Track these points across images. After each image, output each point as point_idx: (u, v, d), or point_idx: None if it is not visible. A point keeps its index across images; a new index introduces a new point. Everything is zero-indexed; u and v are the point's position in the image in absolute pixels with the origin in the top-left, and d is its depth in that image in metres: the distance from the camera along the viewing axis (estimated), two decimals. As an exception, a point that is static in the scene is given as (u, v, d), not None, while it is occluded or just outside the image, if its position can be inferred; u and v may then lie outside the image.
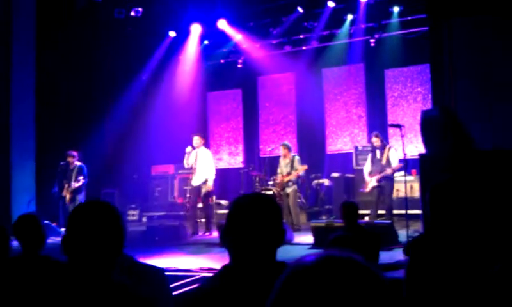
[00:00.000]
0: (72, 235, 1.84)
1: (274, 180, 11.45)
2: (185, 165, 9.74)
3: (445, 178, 2.43)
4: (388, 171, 8.76)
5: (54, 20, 11.21)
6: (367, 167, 9.23)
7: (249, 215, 1.70)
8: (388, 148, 9.11)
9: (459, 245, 2.18)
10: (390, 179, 8.87)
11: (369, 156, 9.33)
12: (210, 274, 2.07)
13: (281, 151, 9.97)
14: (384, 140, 9.80)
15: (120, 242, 1.88)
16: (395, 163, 8.82)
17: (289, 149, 9.88)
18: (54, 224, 9.54)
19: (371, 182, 8.96)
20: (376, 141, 9.05)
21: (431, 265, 2.24)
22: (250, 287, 1.56)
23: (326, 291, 0.79)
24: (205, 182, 9.52)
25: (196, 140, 9.58)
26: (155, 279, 2.60)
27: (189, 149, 9.58)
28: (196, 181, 9.61)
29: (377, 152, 9.04)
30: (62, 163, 10.04)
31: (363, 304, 0.79)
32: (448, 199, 2.32)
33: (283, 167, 9.88)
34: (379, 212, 9.16)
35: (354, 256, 0.85)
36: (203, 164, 9.51)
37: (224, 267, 1.73)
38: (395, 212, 9.10)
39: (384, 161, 8.88)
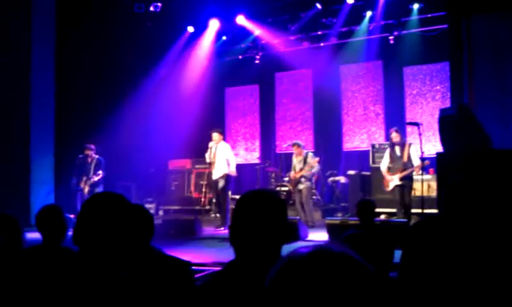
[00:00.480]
0: (82, 226, 1.87)
1: (290, 176, 11.46)
2: (207, 160, 9.91)
3: (459, 176, 2.42)
4: (415, 170, 8.36)
5: (73, 15, 11.34)
6: (384, 164, 8.88)
7: (252, 211, 1.71)
8: (409, 144, 8.74)
9: (463, 234, 2.16)
10: (410, 177, 8.54)
11: (387, 152, 8.94)
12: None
13: (294, 150, 9.97)
14: (403, 138, 9.63)
15: (130, 234, 1.91)
16: (416, 161, 8.41)
17: (301, 146, 9.91)
18: (71, 216, 9.67)
19: (393, 181, 8.57)
20: (396, 137, 8.67)
21: (428, 249, 2.23)
22: (253, 283, 1.58)
23: (316, 282, 0.81)
24: (222, 176, 9.62)
25: (215, 136, 9.75)
26: (181, 272, 2.64)
27: (211, 144, 9.76)
28: (214, 175, 9.81)
29: (397, 148, 8.68)
30: (80, 156, 10.15)
31: (352, 296, 0.81)
32: (461, 197, 2.30)
33: (296, 164, 9.88)
34: (393, 210, 9.08)
35: (347, 251, 0.87)
36: (222, 159, 9.64)
37: (229, 263, 1.74)
38: (412, 210, 8.99)
39: (405, 158, 8.52)
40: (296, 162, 9.89)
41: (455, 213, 2.33)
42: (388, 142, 9.39)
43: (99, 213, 1.87)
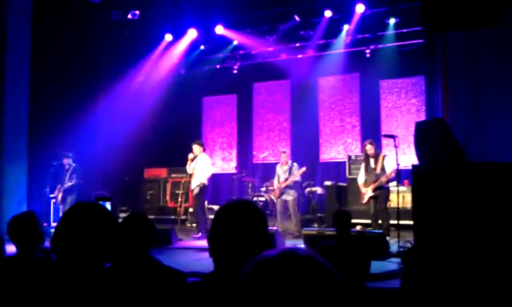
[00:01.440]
0: (61, 237, 1.85)
1: (267, 186, 11.46)
2: (188, 171, 10.15)
3: (436, 189, 2.46)
4: (383, 180, 8.57)
5: (49, 20, 11.19)
6: (360, 177, 9.00)
7: (232, 222, 1.71)
8: (383, 156, 8.88)
9: (452, 254, 2.19)
10: (384, 188, 8.65)
11: (362, 166, 9.04)
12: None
13: (282, 158, 10.08)
14: (378, 149, 9.74)
15: (110, 244, 1.89)
16: (389, 171, 8.55)
17: (287, 155, 10.17)
18: (44, 225, 9.48)
19: (367, 193, 8.69)
20: (370, 149, 8.77)
21: (425, 274, 2.25)
22: (232, 294, 1.57)
23: (281, 284, 0.82)
24: (198, 185, 9.78)
25: (196, 148, 9.95)
26: (177, 282, 2.66)
27: (191, 156, 9.91)
28: (192, 184, 10.02)
29: (371, 161, 8.79)
30: (55, 163, 10.00)
31: (316, 298, 0.82)
32: (441, 212, 2.34)
33: (280, 174, 9.93)
34: (367, 221, 9.16)
35: (313, 255, 0.89)
36: (201, 170, 9.83)
37: (208, 275, 1.73)
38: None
39: (378, 170, 8.66)
40: (281, 171, 9.96)
41: (435, 227, 2.37)
42: (363, 155, 9.49)
43: (79, 224, 1.86)
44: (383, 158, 8.75)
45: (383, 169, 8.62)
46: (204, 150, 10.03)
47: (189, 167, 9.97)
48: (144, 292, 2.44)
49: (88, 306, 1.79)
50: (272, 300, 0.81)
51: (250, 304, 0.83)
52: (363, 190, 8.78)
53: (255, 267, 0.87)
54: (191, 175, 10.11)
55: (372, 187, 8.58)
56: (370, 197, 8.63)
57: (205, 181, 9.81)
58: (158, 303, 2.45)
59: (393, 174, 8.38)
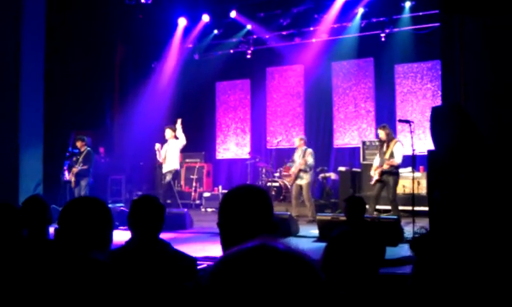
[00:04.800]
0: (63, 229, 2.07)
1: (280, 171, 11.46)
2: (159, 160, 10.03)
3: (452, 176, 2.43)
4: (385, 166, 8.52)
5: (64, 4, 11.21)
6: (376, 161, 9.01)
7: (238, 207, 1.71)
8: (395, 142, 8.81)
9: (467, 245, 2.18)
10: (393, 173, 8.55)
11: (378, 149, 9.08)
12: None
13: (296, 142, 10.05)
14: (392, 135, 9.63)
15: (105, 235, 2.10)
16: (398, 158, 8.47)
17: (304, 140, 10.11)
18: (60, 209, 9.58)
19: (375, 176, 8.70)
20: (380, 134, 8.77)
21: (439, 263, 2.24)
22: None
23: (253, 277, 0.79)
24: (170, 171, 9.84)
25: (167, 133, 9.93)
26: (187, 267, 2.66)
27: (157, 146, 9.87)
28: (164, 169, 10.02)
29: (384, 145, 8.80)
30: (70, 148, 10.10)
31: (291, 291, 0.78)
32: (457, 203, 2.32)
33: (296, 159, 9.94)
34: (385, 207, 9.12)
35: (291, 248, 0.84)
36: (173, 154, 9.88)
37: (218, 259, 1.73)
38: (401, 208, 9.03)
39: (387, 155, 8.63)
40: (296, 156, 9.97)
41: (452, 218, 2.35)
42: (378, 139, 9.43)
43: (77, 218, 2.08)
44: (395, 144, 8.67)
45: (391, 154, 8.57)
46: (175, 136, 9.90)
47: (160, 155, 9.88)
48: (154, 275, 2.47)
49: (95, 289, 1.84)
50: (239, 295, 0.79)
51: (217, 299, 0.81)
52: (372, 173, 8.81)
53: (226, 261, 0.84)
54: (164, 160, 9.96)
55: (378, 170, 8.56)
56: (377, 181, 8.62)
57: (177, 167, 9.92)
58: (167, 287, 2.47)
59: (394, 163, 8.40)
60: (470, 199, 2.37)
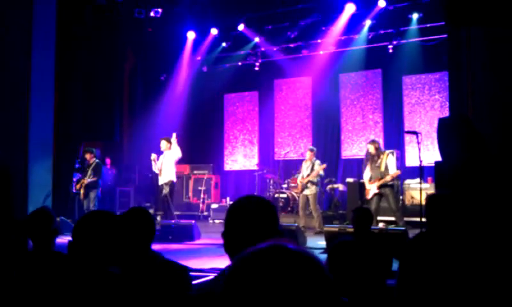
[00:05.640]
0: (77, 243, 2.11)
1: (288, 183, 11.48)
2: (155, 170, 9.98)
3: (457, 186, 2.45)
4: (388, 178, 8.66)
5: (74, 17, 11.36)
6: (366, 175, 9.13)
7: (243, 216, 1.72)
8: (386, 154, 9.00)
9: (454, 248, 2.18)
10: (389, 185, 8.76)
11: (368, 163, 9.21)
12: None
13: (307, 155, 10.11)
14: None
15: (116, 247, 2.15)
16: (392, 169, 8.72)
17: (314, 152, 10.17)
18: (69, 221, 9.65)
19: (372, 189, 8.85)
20: (371, 148, 8.95)
21: (423, 263, 2.24)
22: None
23: (267, 277, 0.83)
24: (167, 183, 9.79)
25: (163, 144, 9.91)
26: (179, 276, 2.66)
27: (153, 157, 9.84)
28: (160, 181, 9.95)
29: (376, 159, 8.95)
30: (79, 159, 10.18)
31: (302, 292, 0.82)
32: (448, 210, 2.32)
33: (304, 170, 10.00)
34: (390, 218, 9.16)
35: (302, 249, 0.89)
36: (169, 166, 9.82)
37: (224, 270, 1.75)
38: (409, 219, 9.02)
39: (382, 168, 8.78)
40: (305, 167, 10.02)
41: (441, 227, 2.36)
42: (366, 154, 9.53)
43: (91, 232, 2.12)
44: (387, 156, 8.85)
45: (386, 167, 8.73)
46: (170, 147, 9.88)
47: (156, 165, 9.85)
48: (146, 286, 2.48)
49: (93, 299, 1.90)
50: (256, 293, 0.82)
51: (235, 298, 0.84)
52: (368, 187, 8.94)
53: (242, 260, 0.88)
54: (158, 173, 9.95)
55: (377, 184, 8.66)
56: (375, 194, 8.72)
57: (174, 178, 9.86)
58: (160, 297, 2.48)
59: (398, 173, 8.73)
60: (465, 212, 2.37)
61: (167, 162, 9.83)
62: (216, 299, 0.88)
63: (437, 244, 2.19)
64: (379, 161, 8.85)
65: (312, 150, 10.23)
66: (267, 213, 1.75)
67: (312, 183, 9.81)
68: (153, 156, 9.86)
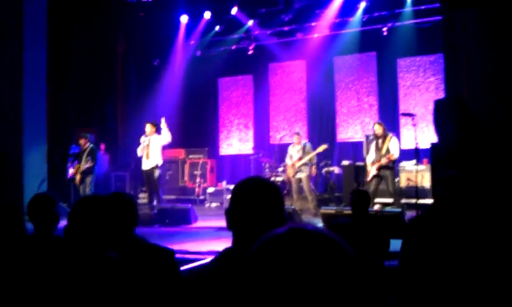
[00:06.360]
0: (73, 227, 2.13)
1: (284, 166, 11.52)
2: (139, 153, 9.78)
3: (453, 167, 2.46)
4: (383, 161, 8.64)
5: (66, 2, 11.25)
6: (370, 156, 9.14)
7: (251, 198, 1.73)
8: (390, 137, 8.97)
9: (461, 230, 2.20)
10: (390, 167, 8.73)
11: (373, 145, 9.19)
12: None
13: (294, 139, 10.09)
14: (391, 130, 9.71)
15: (111, 231, 2.19)
16: (395, 153, 8.67)
17: (300, 135, 10.22)
18: (64, 205, 9.63)
19: (371, 171, 8.87)
20: (378, 129, 8.93)
21: (427, 244, 2.26)
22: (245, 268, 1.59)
23: (291, 259, 0.83)
24: (155, 167, 9.64)
25: (148, 128, 9.69)
26: (165, 260, 2.65)
27: (143, 139, 9.68)
28: (147, 165, 9.71)
29: (379, 141, 8.93)
30: (73, 144, 10.14)
31: (327, 273, 0.83)
32: (455, 195, 2.34)
33: (293, 154, 9.99)
34: (386, 200, 9.21)
35: (324, 231, 0.89)
36: (156, 150, 9.66)
37: (225, 250, 1.75)
38: (405, 200, 9.08)
39: (383, 151, 8.77)
40: (294, 151, 10.01)
41: (452, 208, 2.37)
42: (372, 135, 9.53)
43: (88, 217, 2.14)
44: (390, 139, 8.83)
45: (388, 149, 8.73)
46: (157, 130, 9.70)
47: (142, 148, 9.67)
48: (132, 270, 2.47)
49: (92, 283, 1.94)
50: (280, 275, 0.82)
51: (259, 281, 0.84)
52: (368, 168, 8.98)
53: (264, 244, 0.88)
54: (142, 156, 9.76)
55: (376, 165, 8.67)
56: (374, 176, 8.74)
57: (160, 162, 9.70)
58: (147, 281, 2.47)
59: (393, 158, 8.59)
60: (468, 196, 2.38)
61: (154, 147, 9.66)
62: (238, 285, 0.88)
63: (452, 225, 2.21)
64: (382, 143, 8.84)
65: (298, 134, 10.28)
66: (273, 194, 1.76)
67: (305, 165, 9.85)
68: (144, 139, 9.70)
